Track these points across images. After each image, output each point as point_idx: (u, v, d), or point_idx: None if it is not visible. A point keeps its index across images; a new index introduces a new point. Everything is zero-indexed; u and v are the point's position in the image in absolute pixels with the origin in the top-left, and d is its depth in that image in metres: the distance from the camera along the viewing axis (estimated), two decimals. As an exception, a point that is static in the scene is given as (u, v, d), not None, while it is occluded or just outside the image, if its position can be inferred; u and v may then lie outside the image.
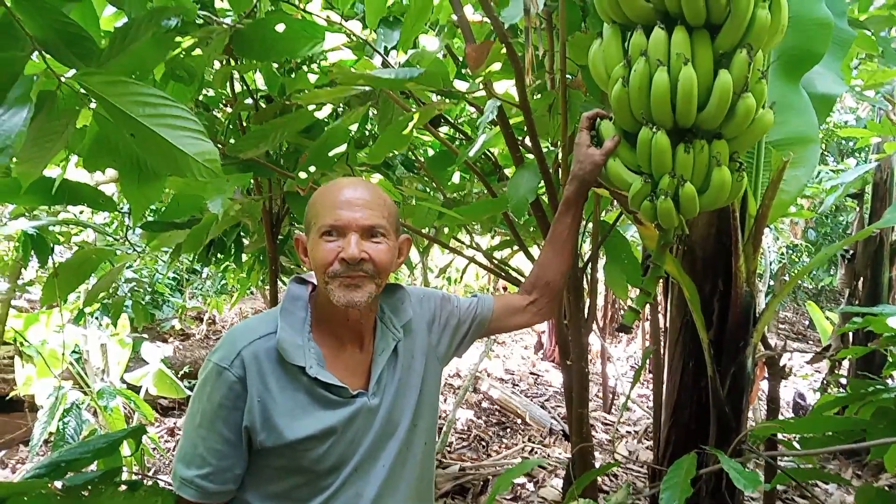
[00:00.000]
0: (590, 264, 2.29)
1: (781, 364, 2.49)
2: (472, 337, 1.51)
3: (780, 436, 2.39)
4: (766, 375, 2.71)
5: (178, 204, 2.03)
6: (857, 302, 4.99)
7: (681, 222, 1.36)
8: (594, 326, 6.32)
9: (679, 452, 1.64)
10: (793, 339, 10.35)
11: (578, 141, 1.44)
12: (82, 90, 1.25)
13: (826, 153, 11.53)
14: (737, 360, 1.61)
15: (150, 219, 2.48)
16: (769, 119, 1.32)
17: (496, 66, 1.65)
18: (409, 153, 3.33)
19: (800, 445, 2.12)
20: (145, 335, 5.72)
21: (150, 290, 5.47)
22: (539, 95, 2.40)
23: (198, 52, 1.93)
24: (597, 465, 4.59)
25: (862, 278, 5.05)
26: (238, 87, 2.69)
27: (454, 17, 2.20)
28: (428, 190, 3.34)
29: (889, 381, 3.56)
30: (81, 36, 1.39)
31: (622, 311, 8.17)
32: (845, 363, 5.40)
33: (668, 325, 1.98)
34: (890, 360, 2.24)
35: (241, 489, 1.25)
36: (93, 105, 1.34)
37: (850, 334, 4.77)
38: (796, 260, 12.54)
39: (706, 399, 1.70)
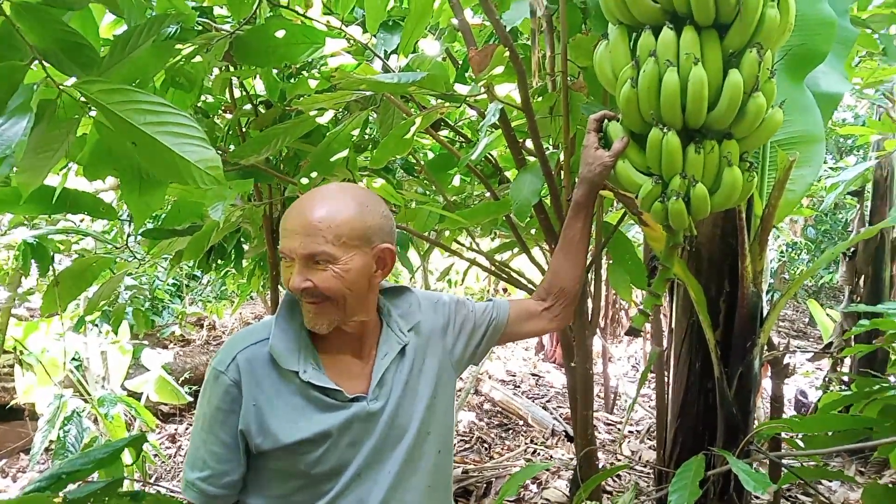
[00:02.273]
0: (593, 266, 2.28)
1: (784, 363, 2.49)
2: (488, 342, 1.48)
3: (783, 434, 2.40)
4: (769, 374, 2.71)
5: (179, 211, 2.02)
6: (858, 299, 4.99)
7: (690, 223, 1.35)
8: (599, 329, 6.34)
9: (685, 454, 1.63)
10: (793, 337, 10.34)
11: (587, 143, 1.42)
12: (82, 99, 1.24)
13: (826, 151, 11.55)
14: (744, 361, 1.60)
15: (150, 226, 2.46)
16: (779, 118, 1.31)
17: (499, 70, 1.64)
18: (410, 157, 3.32)
19: (804, 444, 2.11)
20: (146, 342, 5.69)
21: (150, 296, 5.45)
22: (541, 98, 2.40)
23: (198, 59, 1.92)
24: (600, 465, 4.58)
25: (863, 276, 5.04)
26: (237, 93, 2.68)
27: (454, 21, 2.19)
28: (428, 193, 3.32)
29: (893, 378, 3.56)
30: (81, 44, 1.38)
31: (623, 312, 8.17)
32: (846, 360, 5.39)
33: (673, 326, 1.97)
34: (893, 357, 2.23)
35: (243, 492, 1.26)
36: (93, 113, 1.33)
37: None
38: (795, 258, 12.54)
39: (713, 400, 1.69)
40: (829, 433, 1.98)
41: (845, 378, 5.13)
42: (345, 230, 1.18)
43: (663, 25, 1.26)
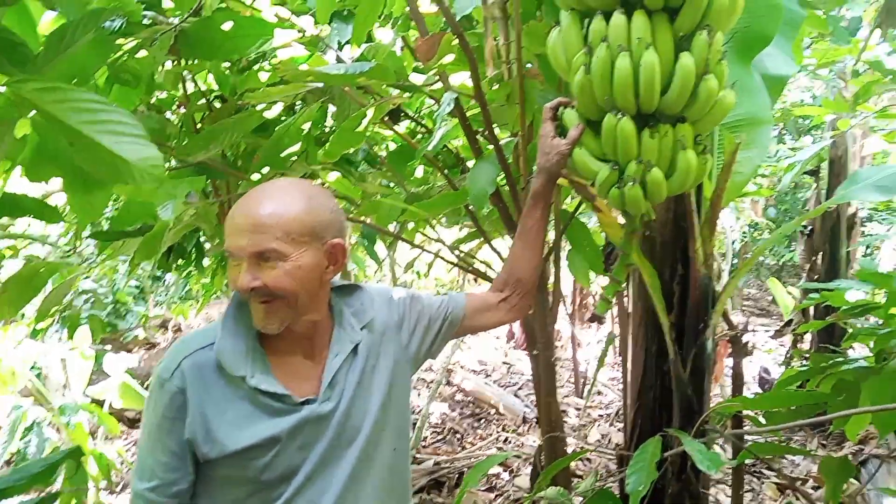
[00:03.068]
0: (552, 254, 2.29)
1: (744, 341, 2.54)
2: (444, 336, 1.47)
3: (748, 411, 2.45)
4: (730, 353, 2.76)
5: (129, 211, 1.96)
6: (816, 277, 5.11)
7: (648, 208, 1.36)
8: (564, 313, 6.39)
9: (645, 436, 1.66)
10: (757, 315, 10.58)
11: (543, 132, 1.41)
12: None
13: (784, 132, 11.80)
14: (697, 342, 1.62)
15: (105, 226, 2.40)
16: (731, 100, 1.32)
17: (449, 58, 1.62)
18: (372, 148, 3.29)
19: (765, 420, 2.16)
20: (108, 347, 5.57)
21: (112, 299, 5.32)
22: (497, 86, 2.39)
23: (143, 53, 1.86)
24: (569, 450, 4.63)
25: (821, 253, 5.17)
26: (191, 88, 2.62)
27: (409, 10, 2.17)
28: (392, 185, 3.30)
29: (851, 352, 3.65)
30: (14, 42, 1.33)
31: (591, 298, 8.25)
32: (808, 337, 5.53)
33: (630, 310, 1.99)
34: (851, 331, 2.29)
35: (193, 500, 1.23)
36: (33, 113, 1.28)
37: (812, 308, 4.88)
38: (758, 237, 12.82)
39: (669, 382, 1.71)
40: (789, 408, 2.03)
41: (806, 354, 5.27)
42: (294, 226, 1.16)
43: (614, 10, 1.26)
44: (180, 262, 3.44)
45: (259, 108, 1.78)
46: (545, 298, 2.26)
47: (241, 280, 1.14)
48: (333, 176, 2.36)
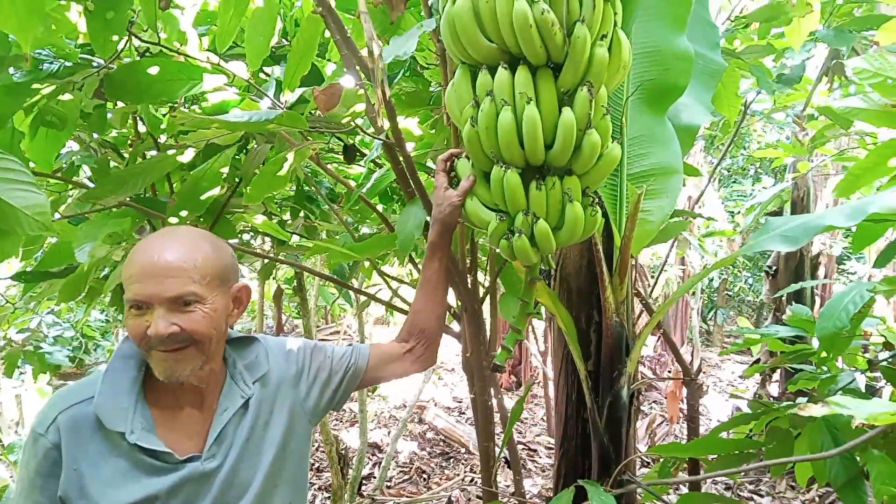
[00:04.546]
0: (487, 297, 2.29)
1: (700, 383, 2.53)
2: (346, 389, 1.45)
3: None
4: (685, 395, 2.74)
5: (57, 251, 1.95)
6: (781, 315, 5.13)
7: (544, 258, 1.36)
8: (538, 352, 6.36)
9: (568, 484, 1.63)
10: (736, 353, 10.57)
11: (436, 184, 1.43)
12: None
13: (761, 171, 11.99)
14: (612, 390, 1.61)
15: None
16: (616, 154, 1.34)
17: (360, 107, 1.64)
18: (335, 187, 3.30)
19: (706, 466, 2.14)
20: (70, 382, 5.49)
21: (74, 335, 5.26)
22: (434, 130, 2.42)
23: (68, 96, 1.88)
24: (536, 490, 4.56)
25: (784, 293, 5.19)
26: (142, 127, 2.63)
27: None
28: (355, 223, 3.31)
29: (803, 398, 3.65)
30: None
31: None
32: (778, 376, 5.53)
33: (551, 357, 1.98)
34: (795, 376, 2.30)
35: None
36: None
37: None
38: (738, 275, 12.89)
39: (590, 430, 1.69)
40: (735, 454, 2.01)
41: (774, 393, 5.25)
42: (209, 270, 1.16)
43: (499, 65, 1.28)
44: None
45: (171, 152, 1.78)
46: (482, 342, 2.25)
47: (156, 326, 1.10)
48: (260, 219, 2.36)
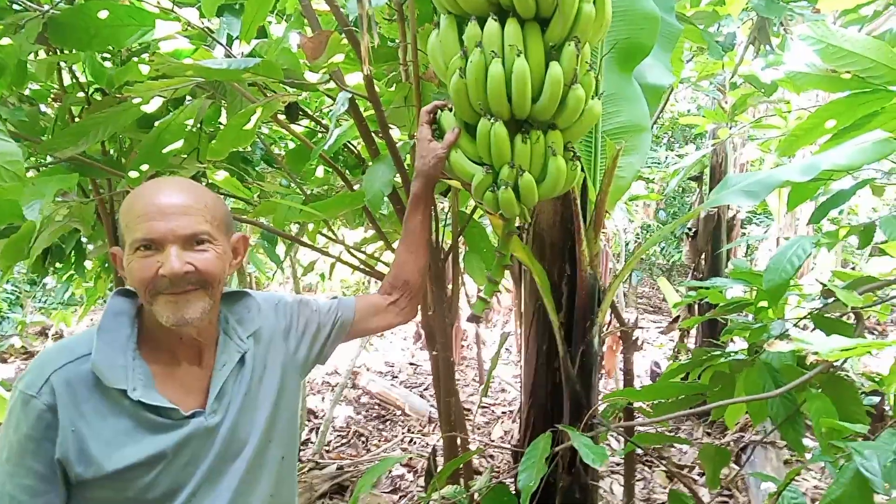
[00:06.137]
0: (451, 255, 2.32)
1: (635, 337, 2.68)
2: (334, 341, 1.45)
3: (640, 403, 2.57)
4: (622, 348, 2.90)
5: (-5, 210, 1.80)
6: (700, 276, 5.45)
7: (523, 211, 1.39)
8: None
9: (539, 432, 1.70)
10: (650, 312, 11.16)
11: (420, 136, 1.43)
12: None
13: (673, 139, 12.52)
14: (585, 340, 1.69)
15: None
16: (598, 110, 1.38)
17: (339, 58, 1.60)
18: (270, 147, 3.20)
19: (652, 411, 2.28)
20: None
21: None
22: (394, 87, 2.39)
23: (6, 41, 1.72)
24: (472, 447, 4.69)
25: (704, 254, 5.52)
26: (68, 80, 2.45)
27: (301, 6, 2.13)
28: (291, 185, 3.23)
29: (731, 345, 3.92)
30: None
31: (496, 296, 8.42)
32: (694, 332, 5.89)
33: (523, 310, 2.04)
34: (727, 326, 2.46)
35: None
36: None
37: (696, 305, 5.20)
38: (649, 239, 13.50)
39: (559, 379, 1.77)
40: (674, 399, 2.16)
41: (689, 349, 5.60)
42: (218, 213, 1.17)
43: (488, 16, 1.29)
44: (58, 265, 3.21)
45: (136, 101, 1.67)
46: (444, 299, 2.28)
47: (171, 265, 1.07)
48: (221, 175, 2.28)
